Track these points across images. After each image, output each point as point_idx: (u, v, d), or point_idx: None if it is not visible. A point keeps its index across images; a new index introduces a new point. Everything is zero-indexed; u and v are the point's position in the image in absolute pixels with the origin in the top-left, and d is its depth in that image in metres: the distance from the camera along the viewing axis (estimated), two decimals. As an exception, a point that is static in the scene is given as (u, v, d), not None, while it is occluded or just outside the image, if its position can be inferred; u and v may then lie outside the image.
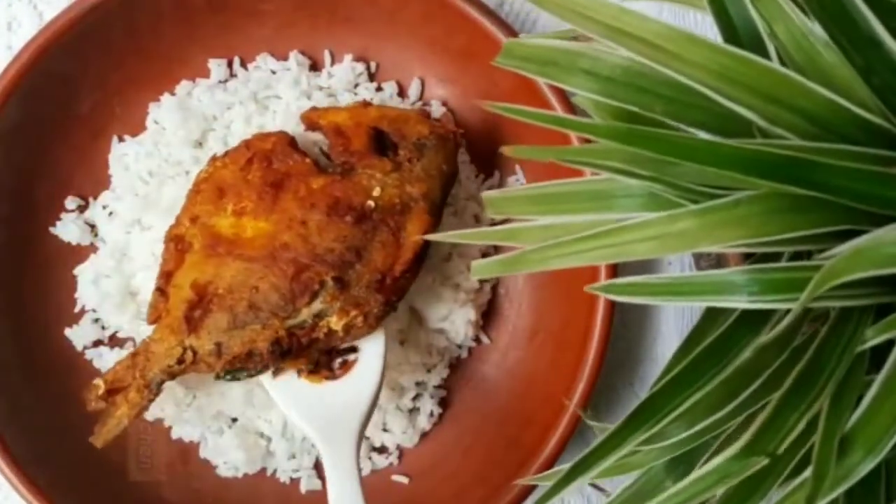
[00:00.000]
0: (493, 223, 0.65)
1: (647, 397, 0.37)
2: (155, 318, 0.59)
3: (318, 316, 0.57)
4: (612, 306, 0.61)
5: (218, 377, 0.59)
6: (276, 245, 0.57)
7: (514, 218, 0.44)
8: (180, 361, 0.57)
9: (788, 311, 0.35)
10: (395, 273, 0.58)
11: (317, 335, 0.58)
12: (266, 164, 0.60)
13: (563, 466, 0.39)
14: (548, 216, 0.41)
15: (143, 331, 0.65)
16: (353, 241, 0.58)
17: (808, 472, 0.36)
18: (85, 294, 0.65)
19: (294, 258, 0.57)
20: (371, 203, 0.58)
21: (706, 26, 0.68)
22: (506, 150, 0.39)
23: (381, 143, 0.62)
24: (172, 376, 0.58)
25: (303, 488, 0.66)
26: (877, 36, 0.34)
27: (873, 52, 0.35)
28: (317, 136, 0.65)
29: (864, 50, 0.35)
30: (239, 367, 0.58)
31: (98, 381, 0.59)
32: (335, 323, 0.57)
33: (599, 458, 0.37)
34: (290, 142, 0.61)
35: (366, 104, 0.63)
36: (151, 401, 0.58)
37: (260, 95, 0.67)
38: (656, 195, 0.38)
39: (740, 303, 0.36)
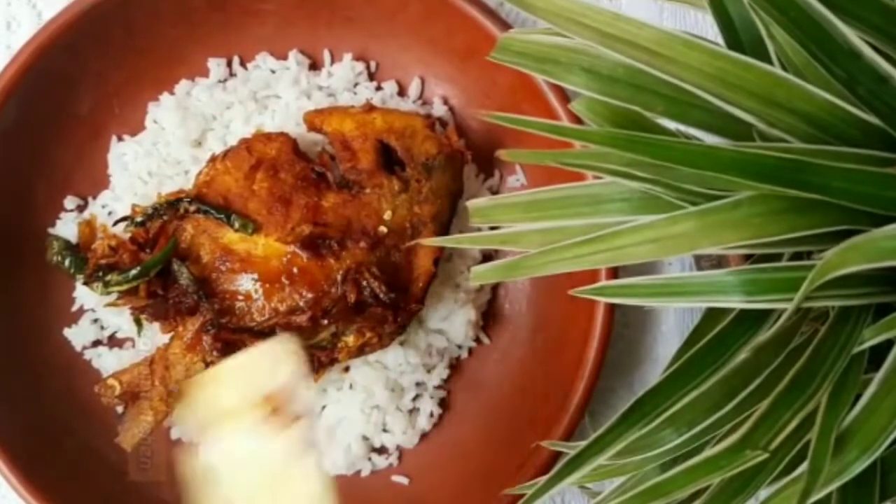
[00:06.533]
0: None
1: (641, 395, 0.37)
2: (168, 329, 0.60)
3: (336, 335, 0.59)
4: (612, 306, 0.61)
5: None
6: (293, 267, 0.58)
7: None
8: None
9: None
10: (410, 303, 0.60)
11: (336, 355, 0.60)
12: (272, 172, 0.60)
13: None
14: (539, 223, 0.41)
15: (142, 331, 0.64)
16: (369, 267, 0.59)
17: (800, 470, 0.35)
18: (84, 294, 0.65)
19: (312, 282, 0.58)
20: (383, 229, 0.60)
21: (706, 26, 0.68)
22: (503, 155, 0.39)
23: (388, 157, 0.62)
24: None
25: (302, 488, 0.65)
26: (855, 48, 0.34)
27: (854, 63, 0.35)
28: (318, 136, 0.65)
29: (844, 63, 0.35)
30: None
31: (113, 382, 0.61)
32: (352, 343, 0.59)
33: (594, 454, 0.37)
34: (294, 147, 0.61)
35: (370, 107, 0.63)
36: (174, 407, 0.60)
37: (259, 95, 0.67)
38: (653, 197, 0.38)
39: (735, 303, 0.35)
